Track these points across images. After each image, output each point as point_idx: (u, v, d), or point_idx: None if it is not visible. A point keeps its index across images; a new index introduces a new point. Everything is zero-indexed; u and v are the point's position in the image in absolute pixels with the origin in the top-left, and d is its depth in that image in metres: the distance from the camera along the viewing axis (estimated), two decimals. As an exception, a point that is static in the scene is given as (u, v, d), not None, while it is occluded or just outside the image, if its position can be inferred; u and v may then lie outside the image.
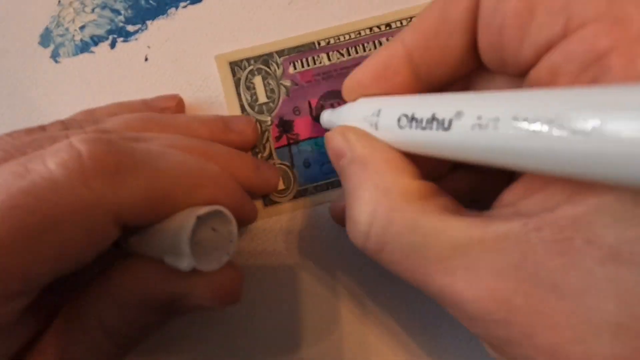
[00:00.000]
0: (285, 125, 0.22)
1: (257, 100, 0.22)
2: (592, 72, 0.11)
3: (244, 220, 0.19)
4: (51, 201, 0.12)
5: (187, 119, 0.20)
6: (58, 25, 0.24)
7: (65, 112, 0.23)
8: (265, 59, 0.23)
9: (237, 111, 0.22)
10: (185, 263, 0.14)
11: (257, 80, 0.22)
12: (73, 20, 0.24)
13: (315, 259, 0.21)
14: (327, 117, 0.20)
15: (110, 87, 0.23)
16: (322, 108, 0.22)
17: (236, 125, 0.21)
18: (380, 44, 0.23)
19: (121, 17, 0.24)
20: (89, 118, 0.20)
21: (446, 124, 0.12)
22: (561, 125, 0.09)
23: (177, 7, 0.24)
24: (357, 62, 0.22)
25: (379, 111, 0.15)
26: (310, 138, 0.22)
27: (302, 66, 0.23)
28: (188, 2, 0.24)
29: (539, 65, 0.12)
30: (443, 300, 0.13)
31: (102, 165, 0.13)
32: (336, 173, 0.18)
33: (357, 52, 0.23)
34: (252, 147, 0.22)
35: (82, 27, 0.24)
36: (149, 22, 0.24)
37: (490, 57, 0.14)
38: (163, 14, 0.24)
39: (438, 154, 0.13)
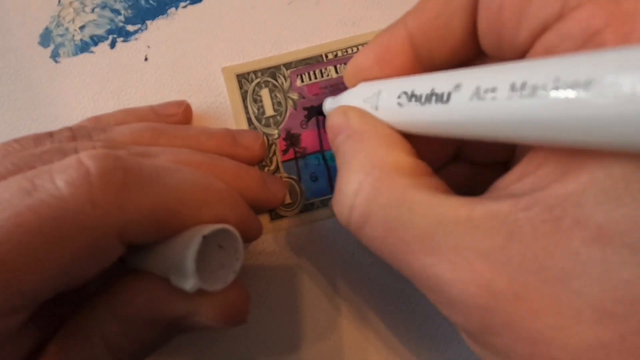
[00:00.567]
0: (292, 139, 0.22)
1: (264, 113, 0.22)
2: (587, 49, 0.11)
3: (249, 237, 0.19)
4: (57, 220, 0.12)
5: (196, 131, 0.20)
6: (58, 25, 0.23)
7: (65, 112, 0.23)
8: (272, 71, 0.22)
9: (244, 124, 0.22)
10: (190, 284, 0.14)
11: (264, 93, 0.22)
12: (73, 20, 0.23)
13: (315, 259, 0.22)
14: (329, 104, 0.20)
15: (110, 87, 0.23)
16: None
17: (244, 140, 0.21)
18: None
19: (121, 17, 0.23)
20: (96, 126, 0.19)
21: (445, 97, 0.12)
22: (557, 88, 0.09)
23: (177, 7, 0.23)
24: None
25: (379, 92, 0.15)
26: (317, 151, 0.22)
27: (310, 79, 0.22)
28: (188, 2, 0.23)
29: (534, 48, 0.12)
30: (423, 282, 0.12)
31: (109, 183, 0.13)
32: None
33: (365, 64, 0.22)
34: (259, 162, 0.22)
35: (82, 27, 0.23)
36: (148, 22, 0.23)
37: (488, 40, 0.14)
38: (163, 14, 0.23)
39: (437, 131, 0.13)
